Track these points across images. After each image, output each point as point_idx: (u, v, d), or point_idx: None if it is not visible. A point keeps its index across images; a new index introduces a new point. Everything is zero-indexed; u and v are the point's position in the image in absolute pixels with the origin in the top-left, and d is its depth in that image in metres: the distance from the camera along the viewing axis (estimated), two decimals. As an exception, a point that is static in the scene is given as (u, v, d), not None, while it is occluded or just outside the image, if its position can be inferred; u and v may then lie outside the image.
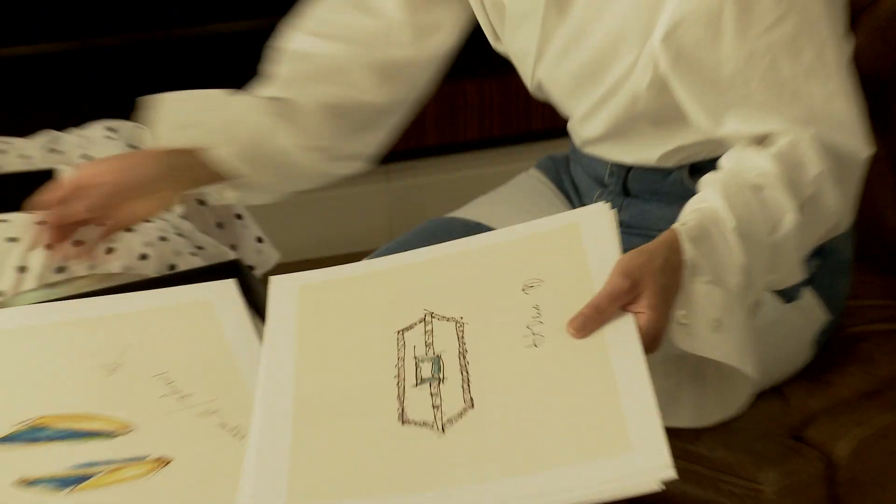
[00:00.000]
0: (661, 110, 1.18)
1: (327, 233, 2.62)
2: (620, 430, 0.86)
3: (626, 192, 1.30)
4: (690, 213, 1.03)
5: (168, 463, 0.99)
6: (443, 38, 1.33)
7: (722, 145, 1.14)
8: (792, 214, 1.03)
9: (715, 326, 0.97)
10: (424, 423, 0.92)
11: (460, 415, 0.92)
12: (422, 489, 0.87)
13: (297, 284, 1.10)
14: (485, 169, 2.62)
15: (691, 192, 1.11)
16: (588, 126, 1.27)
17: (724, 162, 1.09)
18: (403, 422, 0.92)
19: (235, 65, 1.62)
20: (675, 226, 1.00)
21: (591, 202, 1.32)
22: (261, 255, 1.57)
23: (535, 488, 0.85)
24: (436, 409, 0.93)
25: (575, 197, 1.41)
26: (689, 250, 0.98)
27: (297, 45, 1.31)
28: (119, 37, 2.42)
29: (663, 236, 0.99)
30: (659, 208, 1.27)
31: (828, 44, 1.08)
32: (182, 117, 1.30)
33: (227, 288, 1.20)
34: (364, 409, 0.95)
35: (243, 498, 0.89)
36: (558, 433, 0.88)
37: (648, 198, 1.29)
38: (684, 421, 1.10)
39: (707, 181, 1.06)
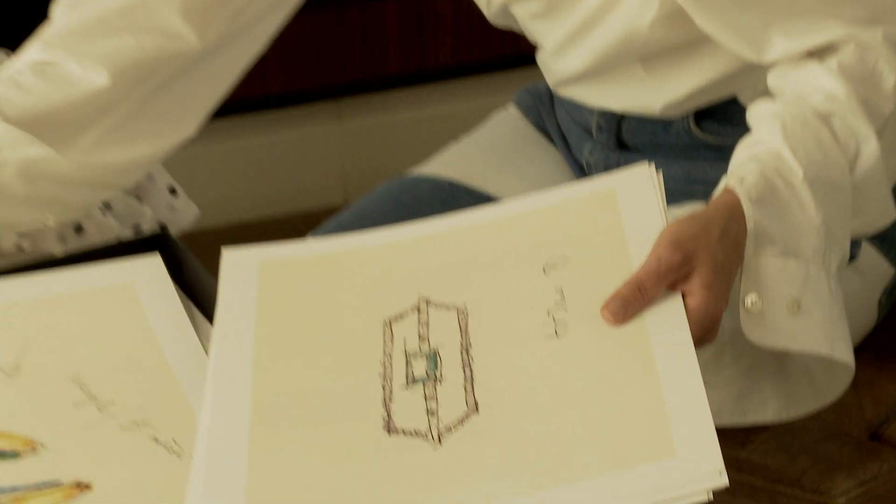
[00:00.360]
0: (661, 51, 1.20)
1: (264, 186, 2.61)
2: (662, 431, 0.87)
3: (620, 145, 1.32)
4: (747, 162, 1.03)
5: (87, 488, 0.98)
6: None
7: (736, 83, 1.17)
8: (873, 142, 1.04)
9: (793, 310, 0.98)
10: (416, 433, 0.92)
11: (461, 421, 0.92)
12: None
13: (256, 261, 1.10)
14: (461, 103, 2.61)
15: (700, 143, 1.15)
16: (562, 61, 1.27)
17: (776, 85, 1.10)
18: (390, 431, 0.92)
19: None
20: (732, 183, 1.00)
21: (582, 155, 1.35)
22: (174, 212, 1.56)
23: None
24: (431, 416, 0.93)
25: (563, 146, 1.41)
26: (753, 216, 0.98)
27: None
28: None
29: (719, 199, 1.00)
30: (665, 164, 1.23)
31: None
32: None
33: (152, 266, 1.19)
34: (341, 415, 0.95)
35: None
36: (584, 438, 0.89)
37: (650, 152, 1.29)
38: (770, 415, 1.11)
39: (759, 115, 1.07)
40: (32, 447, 1.02)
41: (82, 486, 0.98)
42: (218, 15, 1.24)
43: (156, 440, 1.02)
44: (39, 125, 1.19)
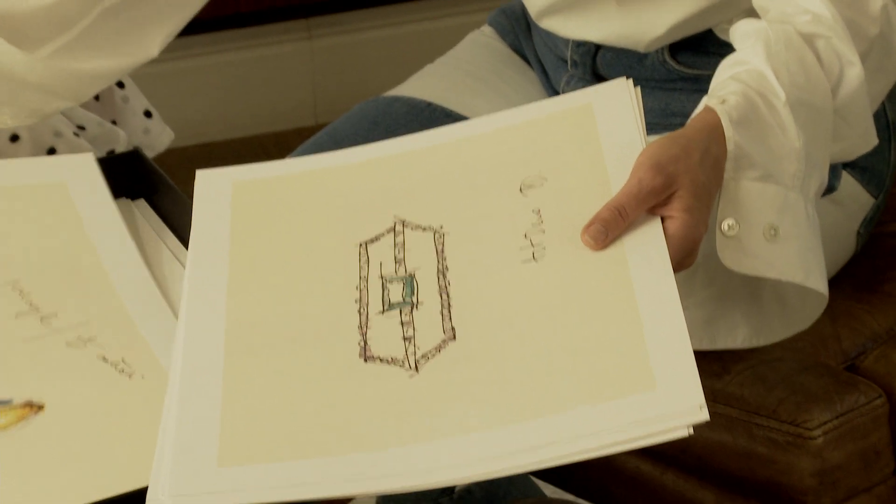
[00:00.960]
0: None
1: (234, 107, 2.58)
2: (642, 363, 0.86)
3: (596, 76, 1.31)
4: (729, 81, 1.01)
5: (40, 409, 0.96)
6: None
7: (717, 15, 1.17)
8: (857, 66, 1.03)
9: (770, 236, 0.97)
10: (393, 360, 0.91)
11: (438, 348, 0.91)
12: (390, 444, 0.86)
13: (230, 181, 1.08)
14: (434, 22, 2.61)
15: (678, 74, 1.15)
16: None
17: (761, 5, 1.08)
18: (366, 358, 0.91)
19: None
20: (713, 103, 0.99)
21: (561, 86, 1.34)
22: (149, 135, 1.55)
23: (530, 439, 0.84)
24: (407, 342, 0.92)
25: (540, 71, 1.41)
26: (734, 138, 0.97)
27: None
28: None
29: (699, 119, 0.98)
30: (643, 96, 1.20)
31: None
32: None
33: (85, 165, 1.15)
34: (316, 341, 0.94)
35: (162, 457, 0.87)
36: (562, 369, 0.88)
37: (639, 73, 1.28)
38: (739, 341, 1.12)
39: (743, 33, 1.06)
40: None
41: (34, 407, 0.96)
42: None
43: (104, 359, 1.00)
44: None
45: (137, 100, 1.55)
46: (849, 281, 1.33)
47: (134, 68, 1.29)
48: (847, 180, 1.27)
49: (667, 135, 0.96)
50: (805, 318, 1.08)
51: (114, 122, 1.50)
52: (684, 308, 0.89)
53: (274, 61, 2.58)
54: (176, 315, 1.03)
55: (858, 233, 1.32)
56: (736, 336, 1.11)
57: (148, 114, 1.55)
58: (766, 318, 1.10)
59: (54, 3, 1.17)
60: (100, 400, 0.96)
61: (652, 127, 1.22)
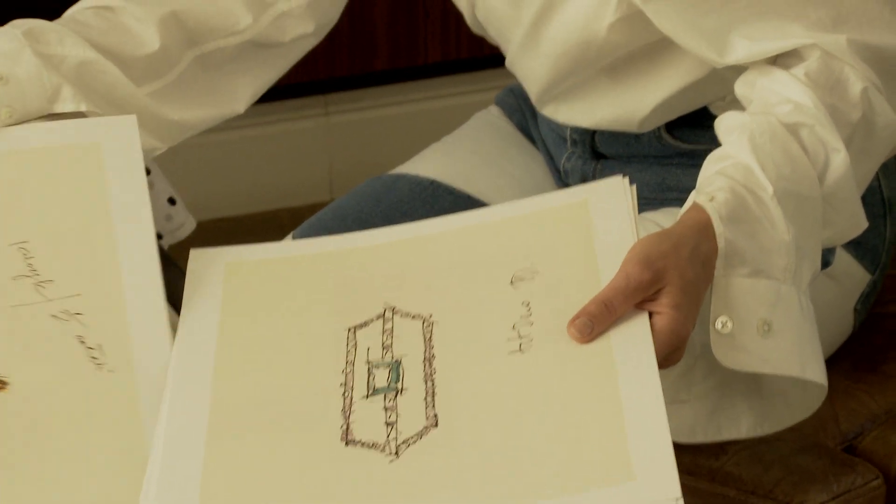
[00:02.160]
0: (625, 58, 1.20)
1: (250, 182, 2.60)
2: (622, 454, 0.86)
3: (596, 155, 1.33)
4: (716, 177, 1.01)
5: (3, 386, 0.96)
6: None
7: (704, 93, 1.19)
8: (842, 152, 1.03)
9: (763, 331, 0.97)
10: (374, 445, 0.91)
11: (420, 434, 0.91)
12: None
13: (223, 261, 1.09)
14: (449, 100, 2.62)
15: (673, 150, 1.17)
16: (527, 64, 1.28)
17: (743, 94, 1.09)
18: (347, 442, 0.91)
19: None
20: (702, 200, 0.98)
21: (562, 163, 1.36)
22: (171, 222, 1.55)
23: None
24: (389, 427, 0.92)
25: (544, 150, 1.42)
26: (724, 234, 0.96)
27: None
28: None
29: (689, 217, 0.98)
30: (640, 172, 1.29)
31: None
32: None
33: (125, 127, 1.12)
34: (299, 423, 0.94)
35: None
36: (543, 458, 0.88)
37: (624, 160, 1.32)
38: (744, 431, 1.10)
39: (727, 127, 1.06)
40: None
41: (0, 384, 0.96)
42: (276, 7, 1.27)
43: (81, 341, 0.99)
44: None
45: (162, 186, 1.56)
46: (848, 360, 1.33)
47: (220, 121, 1.31)
48: (842, 256, 1.27)
49: (657, 231, 0.97)
50: (807, 406, 1.07)
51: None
52: (685, 402, 0.90)
53: (291, 137, 2.59)
54: (169, 315, 1.03)
55: (856, 310, 1.32)
56: (740, 426, 1.10)
57: (172, 201, 1.56)
58: (769, 407, 1.09)
59: (145, 55, 1.21)
60: (65, 387, 0.96)
61: (648, 202, 1.25)
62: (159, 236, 1.30)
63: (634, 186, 1.03)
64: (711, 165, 1.03)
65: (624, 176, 1.05)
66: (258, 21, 1.27)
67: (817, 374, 1.00)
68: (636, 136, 1.28)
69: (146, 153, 1.22)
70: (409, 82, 2.64)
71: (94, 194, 1.08)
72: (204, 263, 1.09)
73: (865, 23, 1.07)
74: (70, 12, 1.24)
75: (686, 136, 1.26)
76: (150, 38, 1.23)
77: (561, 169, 1.37)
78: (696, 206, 0.98)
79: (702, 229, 0.96)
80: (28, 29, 1.15)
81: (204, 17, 1.26)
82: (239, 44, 1.28)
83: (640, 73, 1.21)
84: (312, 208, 1.60)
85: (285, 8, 1.28)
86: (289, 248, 1.14)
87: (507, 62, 1.33)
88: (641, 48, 1.17)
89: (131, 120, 1.13)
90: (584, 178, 1.33)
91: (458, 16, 1.38)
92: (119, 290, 1.02)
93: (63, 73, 1.14)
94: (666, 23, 1.11)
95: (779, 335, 0.97)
